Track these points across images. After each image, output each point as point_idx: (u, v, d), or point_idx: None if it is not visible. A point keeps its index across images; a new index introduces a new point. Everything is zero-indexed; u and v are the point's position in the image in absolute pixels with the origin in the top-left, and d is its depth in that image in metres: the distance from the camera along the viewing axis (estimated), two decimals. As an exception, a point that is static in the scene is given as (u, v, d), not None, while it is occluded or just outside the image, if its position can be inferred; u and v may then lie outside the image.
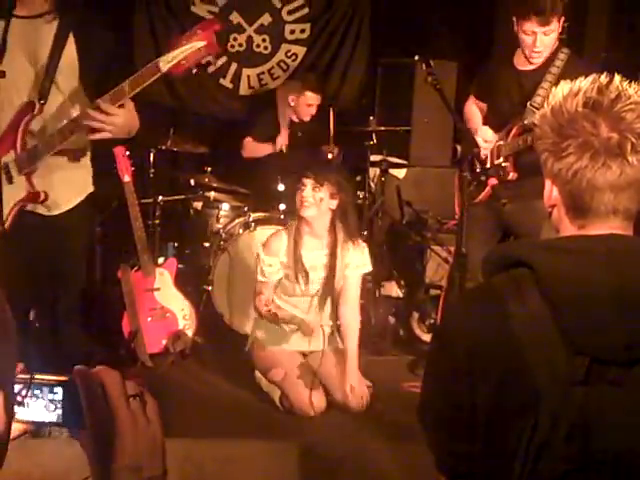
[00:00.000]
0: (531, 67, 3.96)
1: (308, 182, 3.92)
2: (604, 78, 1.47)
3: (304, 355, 4.19)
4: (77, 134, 3.09)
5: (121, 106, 2.99)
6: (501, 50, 4.90)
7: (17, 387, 1.05)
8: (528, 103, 3.86)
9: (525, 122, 3.81)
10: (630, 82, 1.47)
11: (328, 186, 3.93)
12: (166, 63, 2.91)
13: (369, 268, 4.18)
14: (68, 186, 3.32)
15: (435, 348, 1.59)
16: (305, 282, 4.02)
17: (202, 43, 2.89)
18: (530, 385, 1.38)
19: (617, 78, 1.47)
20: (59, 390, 1.06)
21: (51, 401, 1.06)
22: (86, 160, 3.43)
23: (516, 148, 3.87)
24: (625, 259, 1.41)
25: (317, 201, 3.91)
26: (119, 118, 3.01)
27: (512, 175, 3.96)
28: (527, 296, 1.41)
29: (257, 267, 4.07)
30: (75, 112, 3.20)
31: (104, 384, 1.04)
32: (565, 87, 1.49)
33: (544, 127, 1.49)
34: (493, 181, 4.00)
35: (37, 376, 1.07)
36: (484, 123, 4.16)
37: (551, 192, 1.52)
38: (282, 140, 5.71)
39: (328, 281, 4.05)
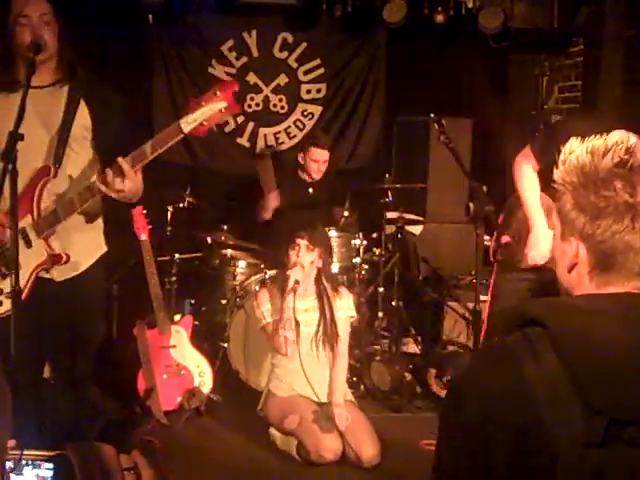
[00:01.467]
0: None
1: (302, 243, 4.17)
2: (625, 138, 1.44)
3: (320, 405, 4.21)
4: (95, 197, 3.12)
5: (137, 171, 3.02)
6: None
7: (8, 463, 1.04)
8: None
9: None
10: None
11: (318, 249, 4.22)
12: (187, 125, 2.94)
13: (354, 313, 4.44)
14: (81, 248, 3.33)
15: (448, 408, 1.57)
16: (297, 333, 4.20)
17: (223, 104, 2.93)
18: (547, 446, 1.35)
19: (634, 137, 1.45)
20: (50, 466, 1.05)
21: (42, 477, 1.06)
22: (99, 221, 3.46)
23: None
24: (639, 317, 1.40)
25: (307, 264, 4.18)
26: (132, 184, 3.03)
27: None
28: (542, 356, 1.38)
29: (258, 317, 4.33)
30: (92, 175, 3.25)
31: (99, 459, 1.03)
32: (588, 145, 1.45)
33: (574, 184, 1.45)
34: (506, 238, 4.01)
35: (27, 452, 1.07)
36: None
37: (577, 251, 1.48)
38: (271, 203, 5.71)
39: (324, 324, 4.24)
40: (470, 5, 6.32)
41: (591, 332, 1.38)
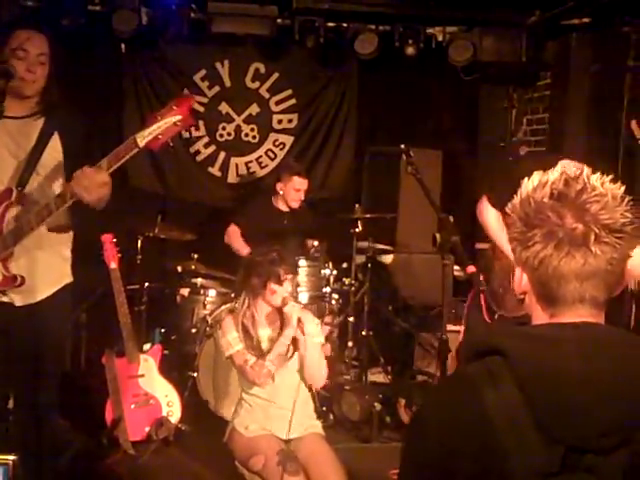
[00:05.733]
0: None
1: (288, 278, 4.10)
2: (572, 170, 1.51)
3: (285, 442, 4.14)
4: (54, 214, 3.11)
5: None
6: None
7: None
8: None
9: None
10: (603, 174, 1.51)
11: (292, 278, 4.24)
12: (143, 138, 2.96)
13: (322, 339, 4.30)
14: (45, 275, 3.31)
15: (410, 438, 1.58)
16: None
17: (177, 117, 2.96)
18: (506, 475, 1.37)
19: (586, 170, 1.51)
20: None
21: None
22: (66, 251, 3.45)
23: None
24: (595, 346, 1.43)
25: (287, 293, 4.12)
26: (96, 193, 3.02)
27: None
28: (501, 385, 1.41)
29: (222, 347, 4.15)
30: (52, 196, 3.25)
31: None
32: (535, 179, 1.53)
33: (513, 217, 1.52)
34: (471, 268, 4.05)
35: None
36: None
37: (521, 279, 1.55)
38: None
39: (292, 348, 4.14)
40: (440, 38, 6.43)
41: (548, 362, 1.40)
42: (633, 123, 5.27)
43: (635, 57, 5.41)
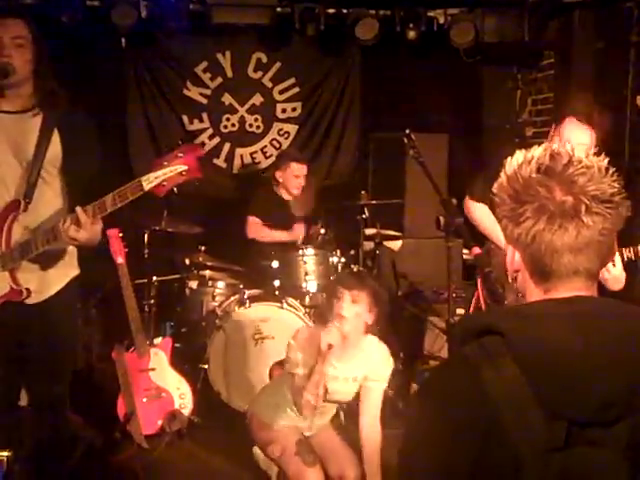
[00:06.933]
0: None
1: (346, 294, 3.58)
2: (556, 145, 1.52)
3: (303, 433, 4.11)
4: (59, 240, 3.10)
5: (94, 222, 3.00)
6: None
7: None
8: None
9: None
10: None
11: (366, 299, 3.60)
12: (148, 183, 2.94)
13: (386, 384, 3.88)
14: (52, 273, 3.31)
15: (412, 419, 1.58)
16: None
17: (184, 167, 2.95)
18: (510, 452, 1.36)
19: (568, 146, 1.52)
20: None
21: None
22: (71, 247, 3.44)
23: None
24: (590, 320, 1.43)
25: (353, 316, 3.59)
26: (87, 234, 2.99)
27: None
28: (500, 364, 1.40)
29: (292, 360, 3.74)
30: (57, 212, 3.23)
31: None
32: (520, 156, 1.53)
33: (501, 195, 1.53)
34: (476, 250, 4.04)
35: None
36: None
37: (513, 257, 1.55)
38: (300, 230, 5.75)
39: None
40: (442, 21, 6.38)
41: (545, 338, 1.40)
42: (638, 99, 5.24)
43: (638, 32, 5.35)
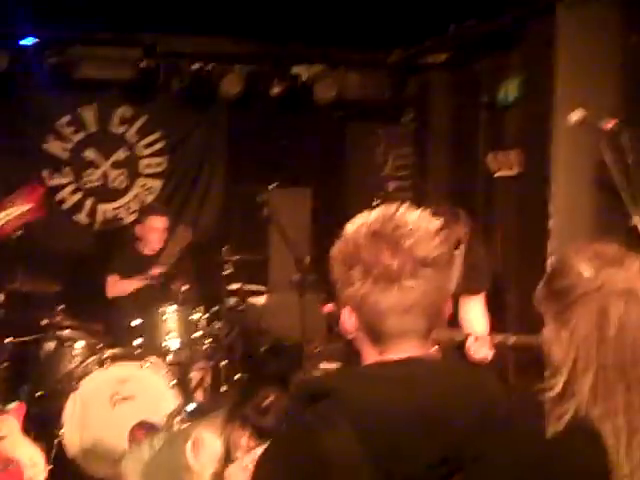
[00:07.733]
0: None
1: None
2: (390, 209, 1.55)
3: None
4: None
5: None
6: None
7: None
8: None
9: None
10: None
11: None
12: None
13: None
14: None
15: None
16: None
17: (28, 206, 2.90)
18: None
19: (403, 207, 1.55)
20: None
21: None
22: None
23: None
24: (421, 381, 1.47)
25: None
26: None
27: None
28: (337, 427, 1.41)
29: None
30: None
31: None
32: (357, 220, 1.56)
33: (335, 258, 1.56)
34: (328, 307, 4.09)
35: None
36: None
37: (348, 319, 1.56)
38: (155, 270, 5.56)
39: None
40: (304, 78, 6.49)
41: (380, 401, 1.43)
42: (489, 157, 5.42)
43: (488, 93, 5.55)
